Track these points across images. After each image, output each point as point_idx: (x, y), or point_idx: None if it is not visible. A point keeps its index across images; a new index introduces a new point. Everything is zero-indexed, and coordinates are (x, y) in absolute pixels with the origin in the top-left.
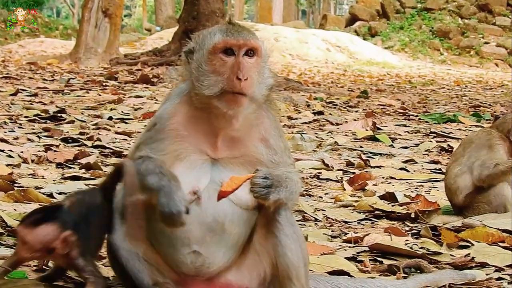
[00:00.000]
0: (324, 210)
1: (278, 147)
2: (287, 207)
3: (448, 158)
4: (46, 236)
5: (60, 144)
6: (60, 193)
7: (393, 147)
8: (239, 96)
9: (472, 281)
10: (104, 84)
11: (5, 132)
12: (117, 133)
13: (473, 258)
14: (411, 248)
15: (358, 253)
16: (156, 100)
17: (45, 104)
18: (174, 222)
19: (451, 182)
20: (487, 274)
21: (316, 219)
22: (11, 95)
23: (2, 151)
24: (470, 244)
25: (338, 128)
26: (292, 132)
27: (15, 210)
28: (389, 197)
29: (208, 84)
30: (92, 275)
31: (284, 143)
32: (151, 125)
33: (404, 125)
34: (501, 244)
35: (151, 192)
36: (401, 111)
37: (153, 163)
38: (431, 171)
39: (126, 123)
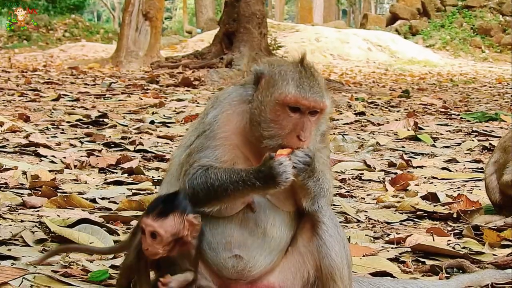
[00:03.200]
0: (367, 211)
1: (326, 151)
2: (324, 204)
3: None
4: (177, 224)
5: (102, 149)
6: (103, 198)
7: (435, 146)
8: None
9: None
10: (145, 87)
11: (48, 137)
12: (159, 137)
13: None
14: (453, 248)
15: (400, 254)
16: (198, 103)
17: (87, 109)
18: (277, 182)
19: (488, 181)
20: None
21: (358, 221)
22: (53, 100)
23: (45, 156)
24: None
25: (379, 129)
26: (334, 134)
27: (58, 216)
28: (431, 197)
29: (267, 135)
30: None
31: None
32: (201, 131)
33: (446, 124)
34: None
35: (242, 190)
36: (443, 110)
37: (223, 171)
38: (473, 170)
39: (168, 126)
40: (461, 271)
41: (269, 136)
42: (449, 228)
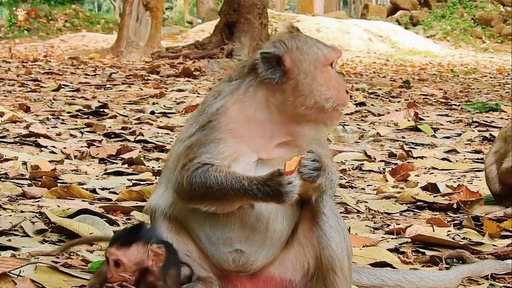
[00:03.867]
0: (367, 202)
1: (325, 143)
2: (330, 196)
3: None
4: (140, 254)
5: (102, 139)
6: (103, 189)
7: (435, 137)
8: (343, 111)
9: None
10: (146, 78)
11: (48, 128)
12: (159, 127)
13: None
14: (453, 238)
15: (400, 244)
16: (198, 93)
17: (87, 99)
18: (283, 200)
19: (488, 171)
20: None
21: (358, 211)
22: (53, 90)
23: (45, 147)
24: None
25: (380, 119)
26: None
27: (58, 206)
28: (431, 188)
29: (324, 99)
30: None
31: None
32: (205, 122)
33: (446, 115)
34: None
35: (241, 195)
36: (443, 100)
37: (223, 175)
38: (473, 161)
39: (169, 117)
40: (461, 261)
41: (326, 99)
42: (449, 219)
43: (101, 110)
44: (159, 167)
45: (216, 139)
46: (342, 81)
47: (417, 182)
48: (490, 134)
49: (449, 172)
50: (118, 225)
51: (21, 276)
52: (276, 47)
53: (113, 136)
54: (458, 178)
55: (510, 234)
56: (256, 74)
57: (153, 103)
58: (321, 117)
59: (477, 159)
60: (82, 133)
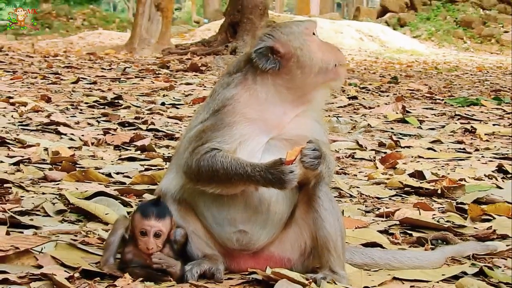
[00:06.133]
0: (359, 187)
1: (324, 126)
2: (326, 183)
3: (472, 139)
4: (170, 224)
5: (117, 128)
6: (117, 173)
7: (421, 128)
8: (345, 67)
9: (494, 252)
10: (157, 72)
11: (67, 117)
12: (169, 117)
13: (494, 230)
14: (438, 221)
15: (389, 226)
16: (205, 86)
17: (103, 91)
18: (284, 187)
19: None
20: (507, 245)
21: (351, 196)
22: (73, 83)
23: (65, 134)
24: (492, 218)
25: (370, 112)
26: (329, 116)
27: (76, 189)
28: (418, 174)
29: (325, 63)
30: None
31: (324, 125)
32: (218, 107)
33: (431, 108)
34: None
35: (244, 180)
36: (428, 95)
37: (229, 161)
38: (456, 151)
39: (178, 108)
40: (445, 242)
41: (326, 61)
42: (434, 204)
43: (116, 101)
44: (169, 153)
45: (230, 122)
46: (331, 44)
47: (405, 170)
48: (471, 126)
49: (433, 161)
50: (131, 206)
51: (42, 252)
52: (265, 41)
53: (127, 125)
54: (442, 166)
55: (490, 218)
56: (256, 68)
57: (164, 95)
58: (329, 77)
59: (459, 149)
60: (98, 122)
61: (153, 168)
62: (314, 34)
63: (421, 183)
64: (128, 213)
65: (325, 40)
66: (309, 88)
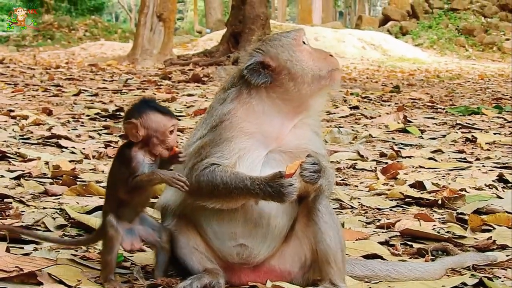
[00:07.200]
0: (359, 198)
1: (322, 138)
2: (326, 196)
3: (473, 148)
4: None
5: (119, 140)
6: None
7: (422, 138)
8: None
9: (494, 262)
10: (159, 83)
11: (69, 130)
12: None
13: (494, 241)
14: (438, 232)
15: (390, 237)
16: (207, 98)
17: (105, 103)
18: (284, 200)
19: None
20: (507, 256)
21: (352, 207)
22: (74, 95)
23: (66, 148)
24: (492, 228)
25: (372, 122)
26: (330, 126)
27: (77, 203)
28: (419, 185)
29: (317, 70)
30: None
31: (322, 135)
32: (217, 122)
33: (432, 118)
34: None
35: (244, 194)
36: (430, 104)
37: (228, 175)
38: (457, 160)
39: (179, 119)
40: (445, 253)
41: (319, 68)
42: (435, 214)
43: (118, 113)
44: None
45: (228, 137)
46: (322, 50)
47: (406, 180)
48: (472, 136)
49: (434, 171)
50: None
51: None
52: (254, 56)
53: None
54: (443, 176)
55: (490, 228)
56: (249, 83)
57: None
58: (324, 84)
59: (461, 158)
60: (100, 134)
61: None
62: (304, 42)
63: (421, 193)
64: None
65: (326, 49)
66: (305, 97)
